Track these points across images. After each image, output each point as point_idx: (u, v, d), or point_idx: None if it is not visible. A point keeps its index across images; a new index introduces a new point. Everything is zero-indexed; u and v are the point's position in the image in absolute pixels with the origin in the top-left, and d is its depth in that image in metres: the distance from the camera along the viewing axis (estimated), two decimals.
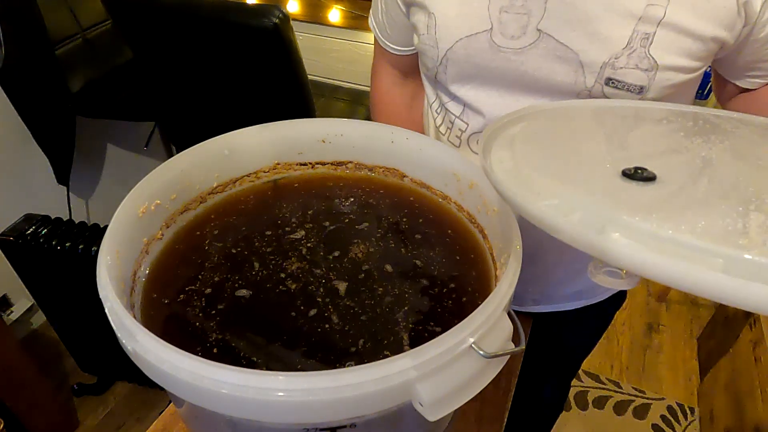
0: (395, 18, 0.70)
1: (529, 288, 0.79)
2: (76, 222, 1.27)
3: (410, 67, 0.79)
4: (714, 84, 0.69)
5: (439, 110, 0.71)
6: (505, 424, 0.64)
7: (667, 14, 0.52)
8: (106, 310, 0.39)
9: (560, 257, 0.74)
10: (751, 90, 0.63)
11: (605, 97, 0.56)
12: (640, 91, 0.55)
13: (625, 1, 0.52)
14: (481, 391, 0.37)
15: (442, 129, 0.71)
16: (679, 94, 0.58)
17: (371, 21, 0.77)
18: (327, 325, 0.47)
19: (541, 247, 0.69)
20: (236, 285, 0.51)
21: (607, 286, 0.37)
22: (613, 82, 0.55)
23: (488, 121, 0.63)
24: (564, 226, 0.32)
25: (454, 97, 0.66)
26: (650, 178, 0.35)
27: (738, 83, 0.63)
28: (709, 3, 0.52)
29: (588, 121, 0.51)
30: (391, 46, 0.75)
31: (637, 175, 0.35)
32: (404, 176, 0.63)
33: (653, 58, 0.53)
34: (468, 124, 0.66)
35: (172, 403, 0.59)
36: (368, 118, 1.78)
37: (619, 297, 0.86)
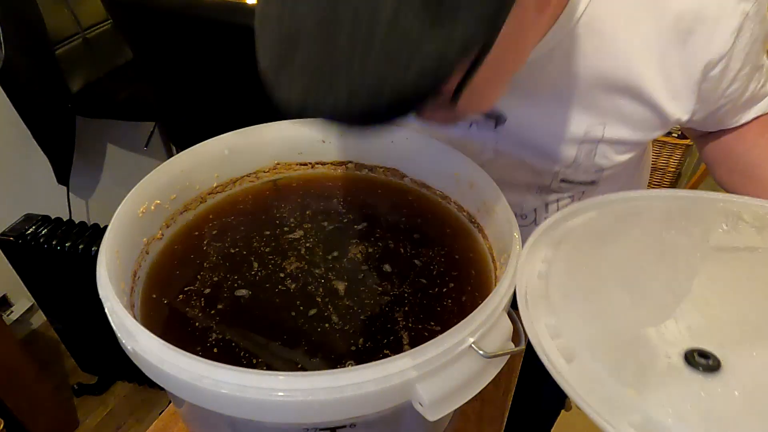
0: None
1: None
2: (76, 222, 1.27)
3: None
4: (686, 131, 0.68)
5: None
6: (505, 424, 0.64)
7: (605, 133, 0.56)
8: (106, 310, 0.39)
9: None
10: (732, 129, 0.61)
11: (561, 188, 0.63)
12: (592, 183, 0.61)
13: (566, 130, 0.57)
14: (481, 391, 0.37)
15: None
16: (631, 162, 0.61)
17: None
18: (327, 325, 0.47)
19: None
20: (236, 285, 0.51)
21: None
22: (567, 182, 0.62)
23: None
24: None
25: None
26: (715, 367, 0.29)
27: (714, 130, 0.63)
28: (638, 119, 0.55)
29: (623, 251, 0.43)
30: None
31: (700, 362, 0.29)
32: (404, 176, 0.63)
33: (599, 165, 0.59)
34: None
35: (172, 403, 0.59)
36: None
37: None
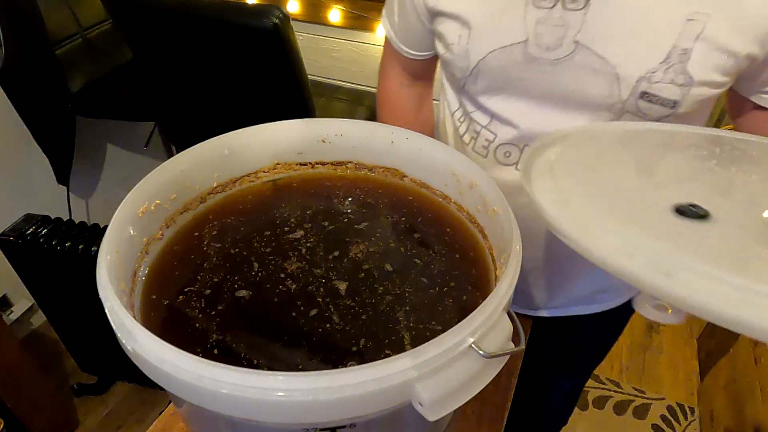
0: (412, 25, 0.69)
1: (550, 293, 0.79)
2: (76, 222, 1.27)
3: (421, 71, 0.78)
4: (728, 99, 0.67)
5: (462, 119, 0.70)
6: (505, 424, 0.64)
7: (706, 29, 0.51)
8: (106, 311, 0.39)
9: (578, 268, 0.73)
10: (766, 108, 0.61)
11: (638, 109, 0.56)
12: (673, 105, 0.55)
13: (665, 15, 0.51)
14: (481, 391, 0.37)
15: (466, 138, 0.69)
16: (703, 110, 0.58)
17: (384, 21, 0.75)
18: (328, 325, 0.47)
19: (558, 256, 0.70)
20: (236, 286, 0.51)
21: (651, 318, 0.38)
22: (647, 96, 0.55)
23: (519, 132, 0.62)
24: (629, 269, 0.32)
25: (481, 107, 0.65)
26: (703, 216, 0.35)
27: (754, 99, 0.61)
28: (746, 19, 0.50)
29: (619, 147, 0.51)
30: (405, 49, 0.74)
31: (691, 212, 0.35)
32: (404, 176, 0.63)
33: (689, 74, 0.53)
34: (496, 135, 0.65)
35: (172, 403, 0.59)
36: (368, 118, 1.77)
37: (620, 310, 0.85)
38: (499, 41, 0.58)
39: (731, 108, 0.67)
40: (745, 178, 0.42)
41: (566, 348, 0.92)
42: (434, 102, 0.85)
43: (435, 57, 0.74)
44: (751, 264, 0.31)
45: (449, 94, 0.72)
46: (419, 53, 0.74)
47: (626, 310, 0.83)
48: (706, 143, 0.50)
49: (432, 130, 0.85)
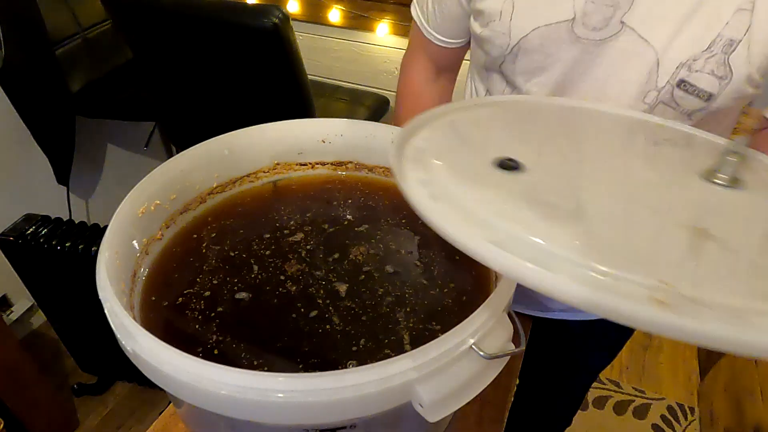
0: (449, 7, 0.68)
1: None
2: (76, 222, 1.27)
3: (448, 62, 0.77)
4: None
5: None
6: (505, 424, 0.64)
7: (753, 23, 0.50)
8: (106, 311, 0.39)
9: None
10: None
11: (672, 99, 0.55)
12: (708, 98, 0.54)
13: (716, 2, 0.51)
14: (481, 392, 0.37)
15: None
16: (730, 113, 0.57)
17: (414, 10, 0.74)
18: (328, 326, 0.47)
19: None
20: (236, 288, 0.50)
21: None
22: (684, 85, 0.54)
23: None
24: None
25: (515, 89, 0.64)
26: (515, 167, 0.40)
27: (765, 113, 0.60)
28: None
29: (492, 116, 0.53)
30: (437, 36, 0.72)
31: (508, 164, 0.40)
32: None
33: (730, 66, 0.52)
34: None
35: (171, 404, 0.59)
36: (368, 118, 1.78)
37: None
38: (545, 18, 0.57)
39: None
40: (574, 137, 0.49)
41: (578, 350, 0.92)
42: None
43: (464, 47, 0.73)
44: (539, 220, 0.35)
45: (477, 82, 0.71)
46: (452, 40, 0.72)
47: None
48: (564, 112, 0.55)
49: None
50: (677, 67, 0.54)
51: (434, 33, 0.73)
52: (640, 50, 0.55)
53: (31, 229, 1.22)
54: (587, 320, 0.81)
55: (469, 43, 0.73)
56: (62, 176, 1.60)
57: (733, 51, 0.51)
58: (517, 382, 1.16)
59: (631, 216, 0.37)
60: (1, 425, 1.25)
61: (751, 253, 0.33)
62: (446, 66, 0.78)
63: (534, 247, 0.31)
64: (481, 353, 0.36)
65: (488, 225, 0.33)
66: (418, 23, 0.74)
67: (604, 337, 0.91)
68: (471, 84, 0.75)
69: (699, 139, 0.52)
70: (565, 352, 0.92)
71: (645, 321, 0.26)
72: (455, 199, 0.36)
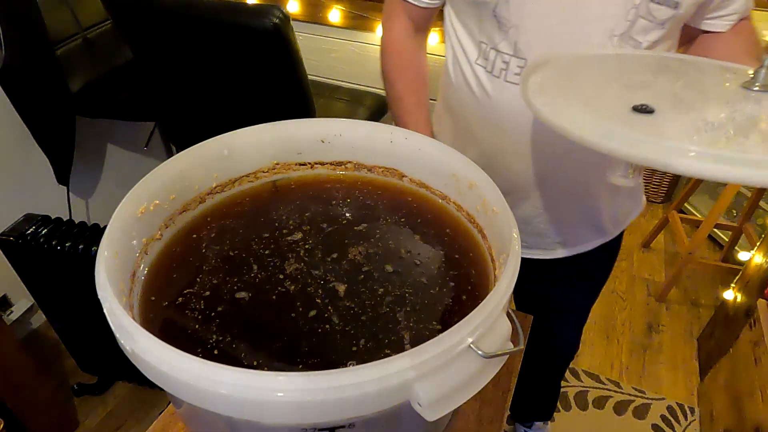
0: None
1: (555, 231, 0.88)
2: (76, 222, 1.27)
3: (425, 21, 0.84)
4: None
5: (487, 57, 0.73)
6: (504, 424, 0.64)
7: None
8: (105, 311, 0.39)
9: (580, 196, 0.83)
10: (711, 33, 0.73)
11: (648, 12, 0.65)
12: (676, 6, 0.64)
13: None
14: (480, 391, 0.37)
15: (496, 72, 0.73)
16: (681, 24, 0.70)
17: None
18: (327, 326, 0.47)
19: (564, 192, 0.82)
20: (235, 287, 0.51)
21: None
22: (645, 18, 0.65)
23: (548, 49, 0.68)
24: (611, 146, 0.47)
25: (508, 35, 0.70)
26: (651, 111, 0.51)
27: (701, 27, 0.73)
28: None
29: (585, 68, 0.64)
30: None
31: (643, 109, 0.51)
32: (403, 176, 0.63)
33: None
34: (526, 59, 0.70)
35: (171, 403, 0.59)
36: (368, 118, 1.78)
37: (620, 237, 0.97)
38: None
39: (679, 44, 0.76)
40: (672, 84, 0.60)
41: (573, 287, 1.02)
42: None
43: (437, 8, 0.82)
44: (682, 135, 0.49)
45: (466, 43, 0.77)
46: (433, 2, 0.79)
47: (617, 241, 0.97)
48: (650, 61, 0.67)
49: (426, 79, 0.91)
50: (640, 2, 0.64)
51: None
52: None
53: (31, 229, 1.22)
54: (585, 253, 0.91)
55: (442, 4, 0.80)
56: (62, 176, 1.60)
57: None
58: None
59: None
60: (1, 425, 1.25)
61: None
62: (422, 25, 0.86)
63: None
64: (480, 352, 0.36)
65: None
66: None
67: (600, 270, 1.04)
68: (454, 58, 0.80)
69: (714, 65, 0.65)
70: (566, 289, 1.02)
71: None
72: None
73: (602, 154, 0.48)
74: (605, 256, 0.99)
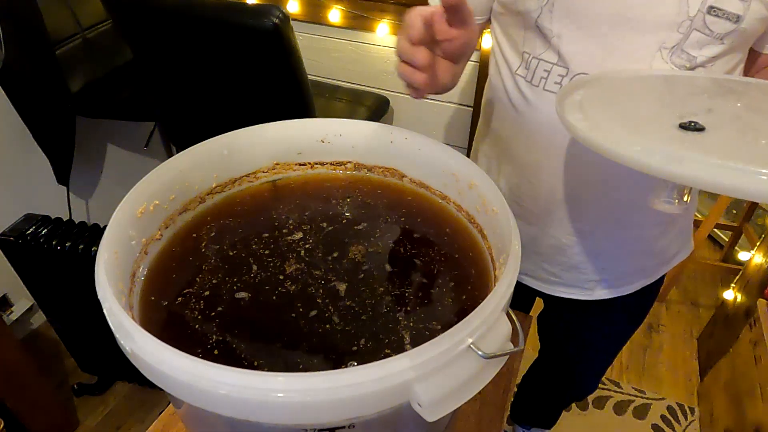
0: None
1: (594, 265, 0.80)
2: (76, 222, 1.27)
3: None
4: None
5: (529, 65, 0.69)
6: (504, 424, 0.64)
7: None
8: (105, 311, 0.39)
9: (622, 223, 0.75)
10: None
11: (705, 25, 0.60)
12: (737, 20, 0.59)
13: None
14: (480, 391, 0.37)
15: (535, 81, 0.69)
16: (751, 38, 0.64)
17: None
18: (327, 326, 0.47)
19: (603, 216, 0.74)
20: (235, 287, 0.50)
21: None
22: (714, 11, 0.59)
23: (591, 60, 0.65)
24: (649, 162, 0.43)
25: (551, 44, 0.66)
26: (701, 129, 0.47)
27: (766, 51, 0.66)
28: None
29: (629, 87, 0.61)
30: None
31: (691, 126, 0.47)
32: (403, 176, 0.63)
33: None
34: (568, 68, 0.66)
35: (171, 404, 0.59)
36: (368, 118, 1.77)
37: (660, 282, 0.89)
38: None
39: (745, 67, 0.70)
40: (732, 105, 0.56)
41: (605, 331, 0.95)
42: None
43: (482, 25, 0.76)
44: (729, 153, 0.44)
45: (509, 54, 0.72)
46: (478, 17, 0.73)
47: (658, 285, 0.88)
48: (705, 83, 0.62)
49: None
50: (702, 2, 0.58)
51: None
52: None
53: (31, 229, 1.22)
54: (623, 296, 0.83)
55: (485, 20, 0.75)
56: (62, 176, 1.60)
57: None
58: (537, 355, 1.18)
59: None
60: (1, 425, 1.25)
61: None
62: None
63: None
64: (480, 352, 0.36)
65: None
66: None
67: (636, 313, 0.95)
68: (496, 68, 0.75)
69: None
70: (597, 331, 0.96)
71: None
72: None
73: (643, 174, 0.43)
74: (644, 300, 0.90)
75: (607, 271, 0.80)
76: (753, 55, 0.68)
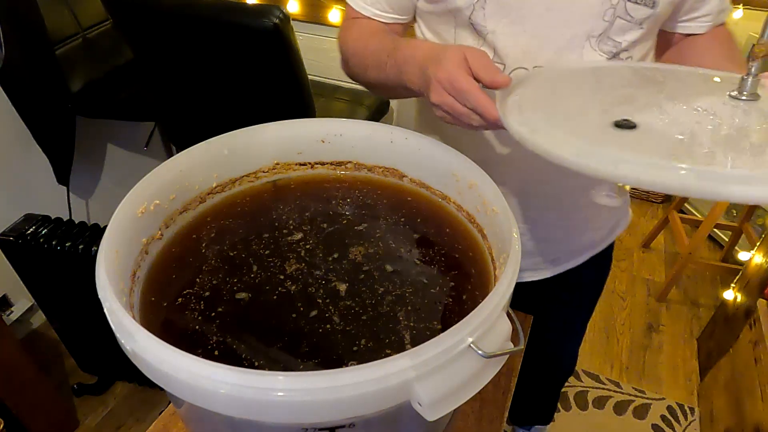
0: None
1: (542, 249, 0.86)
2: (76, 222, 1.27)
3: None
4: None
5: None
6: (504, 424, 0.64)
7: None
8: (105, 311, 0.39)
9: (564, 210, 0.81)
10: (689, 38, 0.73)
11: (626, 12, 0.64)
12: (653, 5, 0.64)
13: None
14: (480, 391, 0.37)
15: None
16: (659, 24, 0.69)
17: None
18: (328, 326, 0.47)
19: (546, 205, 0.79)
20: (235, 288, 0.51)
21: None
22: (623, 17, 0.64)
23: (525, 53, 0.67)
24: (588, 164, 0.44)
25: (486, 40, 0.67)
26: (633, 126, 0.49)
27: (678, 30, 0.73)
28: None
29: (563, 84, 0.63)
30: (378, 13, 0.72)
31: (624, 125, 0.49)
32: (403, 176, 0.63)
33: None
34: (505, 64, 0.68)
35: (171, 403, 0.59)
36: (368, 118, 1.77)
37: (609, 249, 0.95)
38: None
39: (657, 48, 0.75)
40: (654, 96, 0.58)
41: (565, 304, 1.01)
42: None
43: (406, 24, 0.76)
44: (662, 152, 0.46)
45: None
46: (400, 16, 0.73)
47: (607, 256, 0.96)
48: (628, 73, 0.65)
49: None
50: None
51: (376, 11, 0.72)
52: None
53: (31, 229, 1.22)
54: (578, 267, 0.90)
55: (410, 20, 0.75)
56: (62, 176, 1.60)
57: None
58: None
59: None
60: (1, 425, 1.25)
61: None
62: None
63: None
64: (480, 352, 0.36)
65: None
66: (361, 8, 0.73)
67: (595, 280, 1.02)
68: None
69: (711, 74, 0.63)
70: (563, 308, 1.02)
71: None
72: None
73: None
74: (594, 271, 0.97)
75: (553, 252, 0.87)
76: (667, 36, 0.75)
